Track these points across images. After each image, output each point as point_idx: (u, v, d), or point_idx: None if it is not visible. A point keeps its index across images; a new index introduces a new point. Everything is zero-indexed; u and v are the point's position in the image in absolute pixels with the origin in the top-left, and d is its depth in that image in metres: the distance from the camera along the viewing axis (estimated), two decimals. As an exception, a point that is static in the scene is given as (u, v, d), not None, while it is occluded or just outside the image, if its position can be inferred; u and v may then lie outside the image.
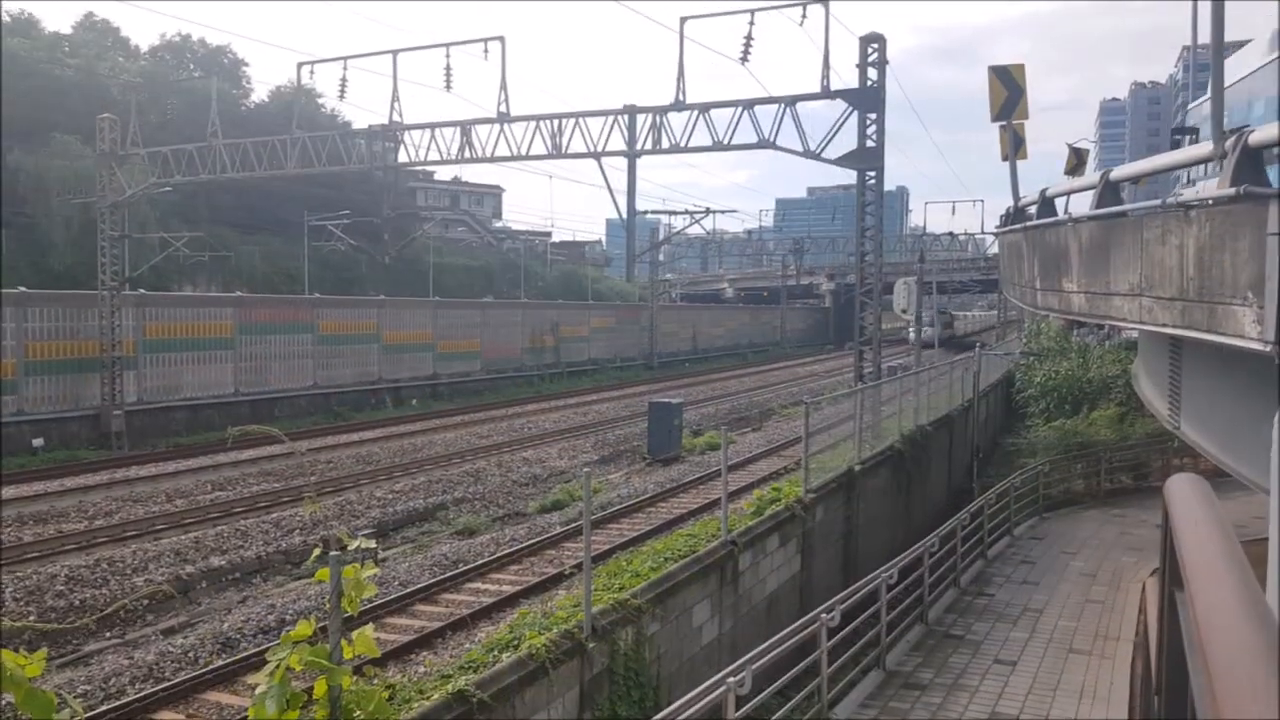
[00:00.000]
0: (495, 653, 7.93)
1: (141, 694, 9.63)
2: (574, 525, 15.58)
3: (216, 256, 34.31)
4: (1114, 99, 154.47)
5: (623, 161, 24.34)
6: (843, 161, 21.78)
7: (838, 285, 70.34)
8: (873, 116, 21.22)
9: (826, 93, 21.34)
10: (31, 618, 11.82)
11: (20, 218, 34.97)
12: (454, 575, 13.44)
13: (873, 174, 21.53)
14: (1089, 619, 12.53)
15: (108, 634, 12.04)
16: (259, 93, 55.45)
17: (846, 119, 21.47)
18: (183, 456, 24.02)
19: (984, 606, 13.11)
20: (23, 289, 25.62)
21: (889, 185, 27.12)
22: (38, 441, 24.38)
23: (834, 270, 74.15)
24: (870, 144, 21.27)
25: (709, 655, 10.58)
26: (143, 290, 28.94)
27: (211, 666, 10.37)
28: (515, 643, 8.04)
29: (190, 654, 10.86)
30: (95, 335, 25.95)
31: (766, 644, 8.24)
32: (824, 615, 9.03)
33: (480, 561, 14.11)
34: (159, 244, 31.11)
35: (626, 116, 23.64)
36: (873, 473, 16.31)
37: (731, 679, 7.15)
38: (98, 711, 9.09)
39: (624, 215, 26.52)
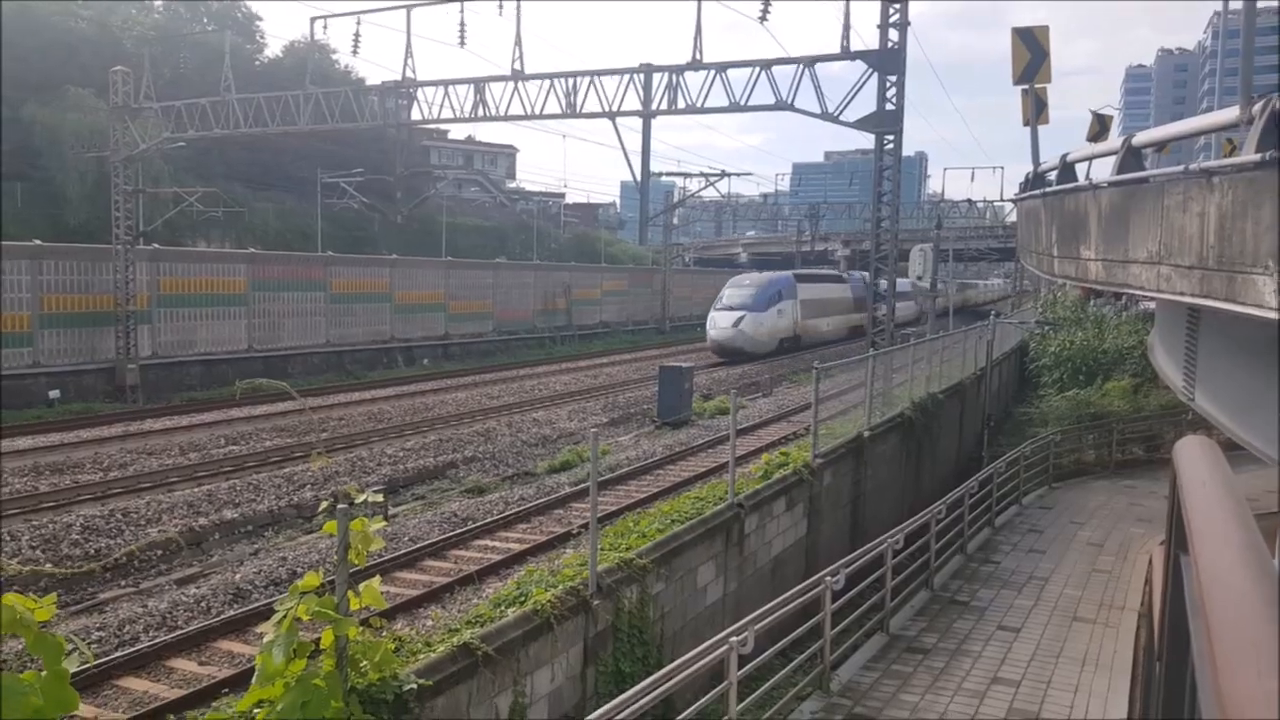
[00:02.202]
0: (502, 608, 8.01)
1: (155, 641, 9.79)
2: (582, 486, 15.64)
3: (230, 212, 34.32)
4: (1140, 66, 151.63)
5: (637, 122, 24.03)
6: (861, 125, 21.48)
7: (853, 252, 69.72)
8: (893, 79, 20.89)
9: (846, 54, 20.99)
10: (47, 565, 12.02)
11: (35, 171, 35.04)
12: (463, 532, 13.54)
13: (891, 138, 21.25)
14: (1095, 588, 12.56)
15: (122, 582, 12.23)
16: (273, 47, 55.10)
17: (866, 81, 21.13)
18: (196, 411, 24.23)
19: (990, 574, 13.14)
20: (38, 242, 25.72)
21: (908, 150, 26.79)
22: (54, 393, 24.64)
23: (849, 237, 73.46)
24: (889, 107, 20.96)
25: (713, 616, 10.67)
26: (156, 245, 29.02)
27: (223, 616, 10.52)
28: (521, 599, 8.12)
29: (203, 603, 11.02)
30: (110, 289, 26.09)
31: (770, 605, 8.28)
32: (828, 579, 9.07)
33: (489, 519, 14.21)
34: (173, 199, 31.12)
35: (642, 76, 23.33)
36: (882, 439, 16.29)
37: (734, 638, 7.20)
38: (112, 657, 9.25)
39: (638, 177, 26.18)
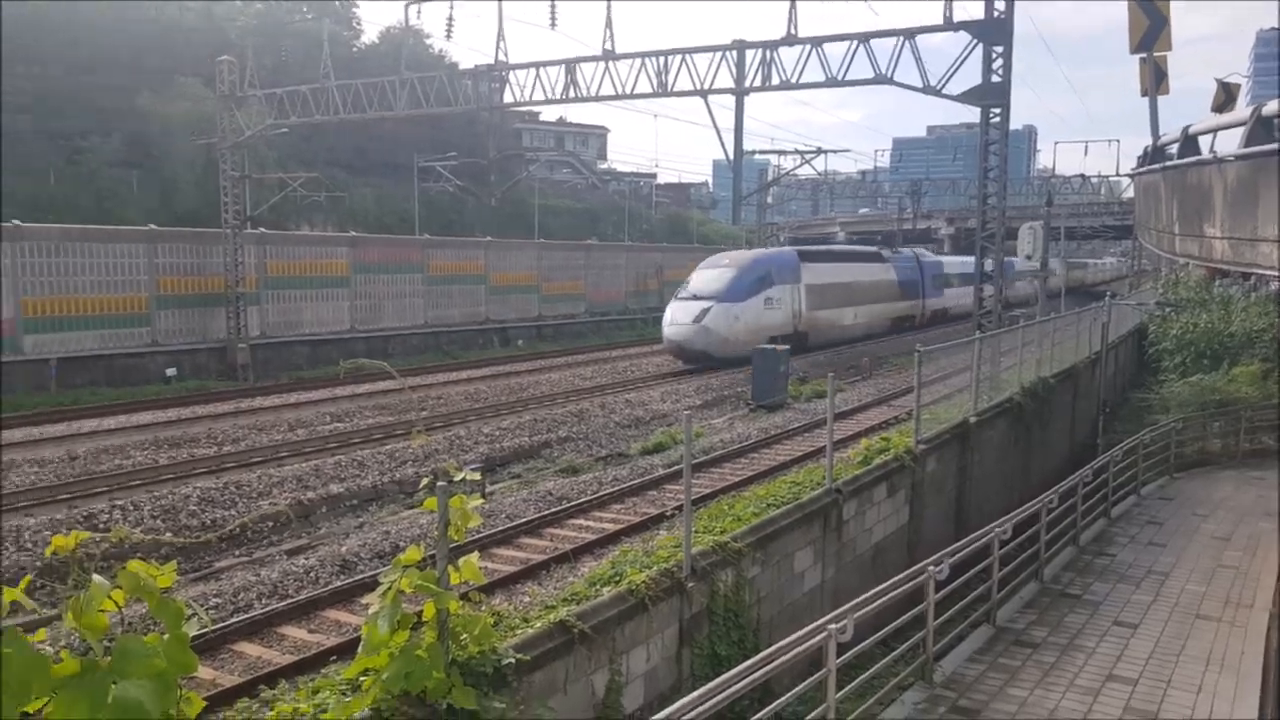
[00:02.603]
0: (597, 587, 8.01)
1: (268, 609, 10.18)
2: (675, 468, 15.59)
3: (331, 197, 35.40)
4: (1272, 29, 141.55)
5: (730, 100, 23.58)
6: (965, 98, 20.64)
7: (957, 230, 67.40)
8: (999, 49, 20.00)
9: (949, 24, 20.18)
10: (167, 534, 12.66)
11: (148, 160, 36.89)
12: (558, 511, 13.66)
13: (997, 111, 20.36)
14: (1220, 585, 11.81)
15: (236, 552, 12.80)
16: (369, 34, 56.48)
17: (970, 52, 20.29)
18: (303, 389, 25.19)
19: (1104, 567, 12.51)
20: (152, 226, 27.09)
21: (1015, 124, 25.61)
22: (170, 371, 26.00)
23: (954, 214, 71.00)
24: (996, 79, 20.09)
25: (810, 601, 10.46)
26: (263, 229, 30.20)
27: (331, 586, 10.87)
28: (616, 578, 8.10)
29: (311, 574, 11.41)
30: (220, 271, 27.30)
31: (870, 593, 8.04)
32: (932, 568, 8.76)
33: (583, 499, 14.30)
34: (277, 184, 32.29)
35: (735, 52, 22.91)
36: (989, 425, 15.67)
37: (833, 625, 7.01)
38: (228, 623, 9.67)
39: (731, 156, 25.70)
